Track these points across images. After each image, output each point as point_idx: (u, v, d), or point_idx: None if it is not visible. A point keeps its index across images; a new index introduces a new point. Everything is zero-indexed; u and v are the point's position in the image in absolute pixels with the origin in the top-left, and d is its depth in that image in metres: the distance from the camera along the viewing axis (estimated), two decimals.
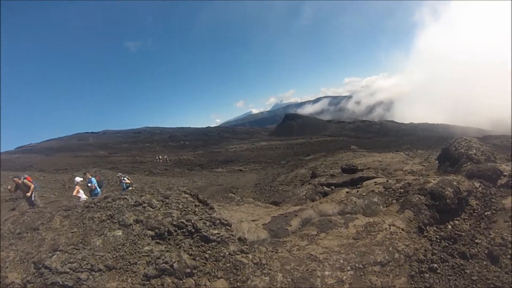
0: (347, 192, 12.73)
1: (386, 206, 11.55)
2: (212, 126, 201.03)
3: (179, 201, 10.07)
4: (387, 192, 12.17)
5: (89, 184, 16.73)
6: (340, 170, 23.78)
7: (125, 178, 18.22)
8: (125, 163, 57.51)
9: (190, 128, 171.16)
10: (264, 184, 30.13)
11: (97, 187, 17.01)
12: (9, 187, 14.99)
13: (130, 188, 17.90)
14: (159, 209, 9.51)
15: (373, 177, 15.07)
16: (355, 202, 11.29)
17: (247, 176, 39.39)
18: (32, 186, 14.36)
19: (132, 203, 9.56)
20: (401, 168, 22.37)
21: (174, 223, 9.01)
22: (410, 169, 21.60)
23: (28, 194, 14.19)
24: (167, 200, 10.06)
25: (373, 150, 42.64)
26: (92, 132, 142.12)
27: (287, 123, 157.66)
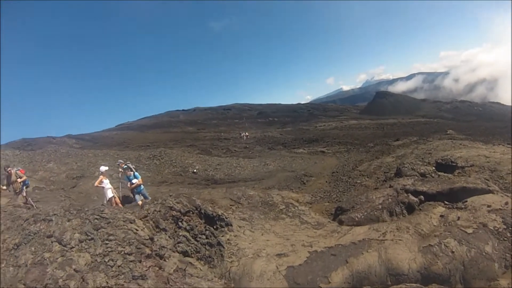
0: (441, 216, 8.48)
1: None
2: (302, 103, 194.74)
3: (110, 237, 6.57)
4: (509, 234, 7.39)
5: (135, 181, 13.76)
6: (434, 166, 18.94)
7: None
8: (206, 140, 56.94)
9: (280, 104, 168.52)
10: (341, 173, 26.03)
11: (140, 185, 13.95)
12: (3, 187, 13.71)
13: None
14: (68, 249, 6.16)
15: (482, 190, 10.41)
16: (452, 251, 6.88)
17: (327, 161, 35.42)
18: (24, 177, 13.42)
19: (48, 233, 6.47)
20: None
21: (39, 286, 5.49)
22: None
23: (19, 180, 13.14)
24: (93, 234, 6.50)
25: (475, 139, 35.30)
26: (183, 110, 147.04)
27: (378, 101, 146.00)
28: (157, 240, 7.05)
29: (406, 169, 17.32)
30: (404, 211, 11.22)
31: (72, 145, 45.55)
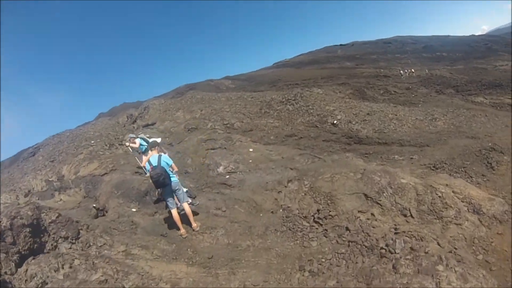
0: None
1: None
2: (477, 34, 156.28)
3: None
4: None
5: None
6: None
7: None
8: (363, 77, 47.73)
9: (449, 36, 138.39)
10: None
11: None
12: None
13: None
14: None
15: None
16: None
17: None
18: None
19: None
20: None
21: None
22: None
23: None
24: None
25: None
26: (341, 45, 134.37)
27: None
28: None
29: None
30: None
31: (228, 85, 43.78)
